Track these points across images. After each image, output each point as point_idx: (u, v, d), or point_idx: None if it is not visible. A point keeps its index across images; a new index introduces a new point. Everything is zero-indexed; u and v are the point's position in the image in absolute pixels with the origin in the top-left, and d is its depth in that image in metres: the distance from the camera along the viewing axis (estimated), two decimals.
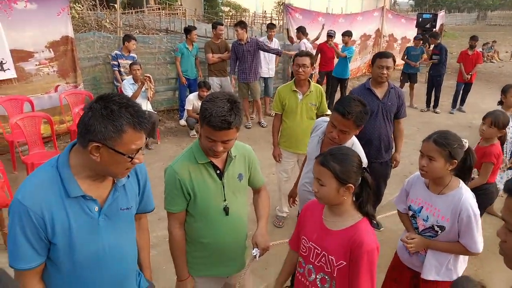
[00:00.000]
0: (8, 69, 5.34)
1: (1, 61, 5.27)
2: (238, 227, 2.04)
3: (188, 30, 6.76)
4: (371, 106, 3.25)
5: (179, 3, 19.53)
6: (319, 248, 1.72)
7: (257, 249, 1.94)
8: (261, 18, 16.87)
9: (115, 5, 7.79)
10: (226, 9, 20.26)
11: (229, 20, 16.83)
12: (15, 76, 5.42)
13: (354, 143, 2.44)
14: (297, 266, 1.89)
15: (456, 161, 2.00)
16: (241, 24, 6.67)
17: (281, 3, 10.41)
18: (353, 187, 1.65)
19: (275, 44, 7.51)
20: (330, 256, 1.67)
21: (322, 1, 19.85)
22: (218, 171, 1.90)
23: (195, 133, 6.49)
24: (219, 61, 6.85)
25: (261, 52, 6.97)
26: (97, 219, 1.45)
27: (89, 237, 1.44)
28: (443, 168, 2.00)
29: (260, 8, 20.12)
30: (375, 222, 1.76)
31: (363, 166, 1.73)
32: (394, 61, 3.36)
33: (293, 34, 8.78)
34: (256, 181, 2.12)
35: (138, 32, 8.19)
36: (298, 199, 2.91)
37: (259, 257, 1.94)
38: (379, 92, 3.46)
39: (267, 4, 19.90)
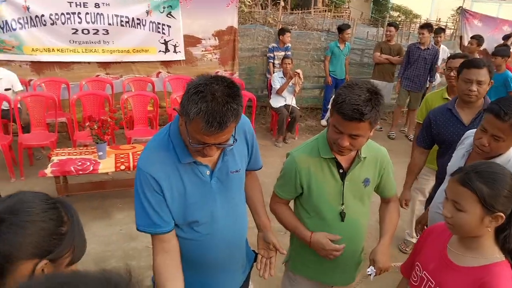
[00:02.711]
0: (179, 51, 6.05)
1: (175, 44, 6.00)
2: (354, 237, 1.80)
3: (341, 29, 6.56)
4: (451, 135, 2.47)
5: (346, 6, 19.34)
6: (433, 281, 1.39)
7: (373, 267, 1.68)
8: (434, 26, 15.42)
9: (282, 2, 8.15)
10: (395, 14, 19.17)
11: None
12: (184, 58, 6.11)
13: (511, 159, 1.87)
14: None
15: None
16: (428, 27, 6.17)
17: (458, 9, 9.24)
18: (504, 216, 1.26)
19: (443, 51, 6.73)
20: None
21: None
22: (341, 170, 1.69)
23: None
24: (385, 62, 6.46)
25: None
26: (210, 182, 1.48)
27: (203, 200, 1.48)
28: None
29: (434, 15, 18.40)
30: None
31: None
32: (491, 73, 2.33)
33: (466, 42, 7.70)
34: (386, 190, 1.86)
35: (296, 28, 8.37)
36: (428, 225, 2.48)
37: (374, 276, 1.68)
38: (465, 115, 2.50)
39: (442, 11, 18.08)
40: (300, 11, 14.49)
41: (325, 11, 17.39)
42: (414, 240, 3.57)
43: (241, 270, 1.76)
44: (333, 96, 1.60)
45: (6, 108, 4.60)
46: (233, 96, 1.24)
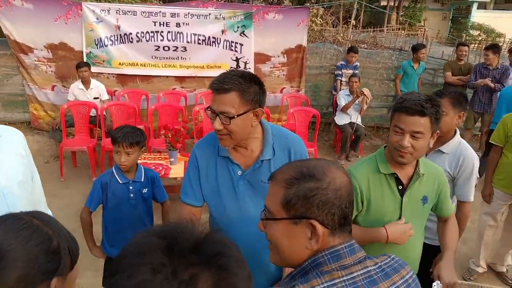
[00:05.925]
0: (249, 68, 6.35)
1: (246, 61, 6.31)
2: (410, 255, 1.78)
3: (415, 48, 6.44)
4: None
5: (422, 24, 18.69)
6: None
7: (439, 282, 1.65)
8: None
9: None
10: (476, 33, 18.11)
11: (475, 45, 15.01)
12: None
13: (460, 141, 1.94)
14: None
15: None
16: (494, 48, 5.88)
17: None
18: None
19: None
20: None
21: None
22: (400, 187, 1.71)
23: None
24: (458, 84, 6.23)
25: None
26: (237, 182, 1.62)
27: (230, 196, 1.64)
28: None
29: None
30: None
31: None
32: None
33: None
34: (444, 209, 1.85)
35: (365, 47, 8.32)
36: None
37: None
38: None
39: None
40: (372, 30, 14.31)
41: (399, 29, 16.96)
42: (480, 271, 3.37)
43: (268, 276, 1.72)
44: (394, 104, 1.68)
45: (94, 115, 5.17)
46: (244, 75, 1.48)
